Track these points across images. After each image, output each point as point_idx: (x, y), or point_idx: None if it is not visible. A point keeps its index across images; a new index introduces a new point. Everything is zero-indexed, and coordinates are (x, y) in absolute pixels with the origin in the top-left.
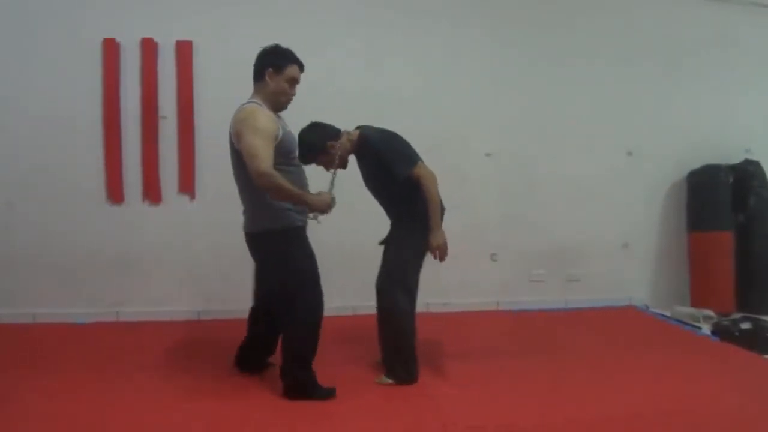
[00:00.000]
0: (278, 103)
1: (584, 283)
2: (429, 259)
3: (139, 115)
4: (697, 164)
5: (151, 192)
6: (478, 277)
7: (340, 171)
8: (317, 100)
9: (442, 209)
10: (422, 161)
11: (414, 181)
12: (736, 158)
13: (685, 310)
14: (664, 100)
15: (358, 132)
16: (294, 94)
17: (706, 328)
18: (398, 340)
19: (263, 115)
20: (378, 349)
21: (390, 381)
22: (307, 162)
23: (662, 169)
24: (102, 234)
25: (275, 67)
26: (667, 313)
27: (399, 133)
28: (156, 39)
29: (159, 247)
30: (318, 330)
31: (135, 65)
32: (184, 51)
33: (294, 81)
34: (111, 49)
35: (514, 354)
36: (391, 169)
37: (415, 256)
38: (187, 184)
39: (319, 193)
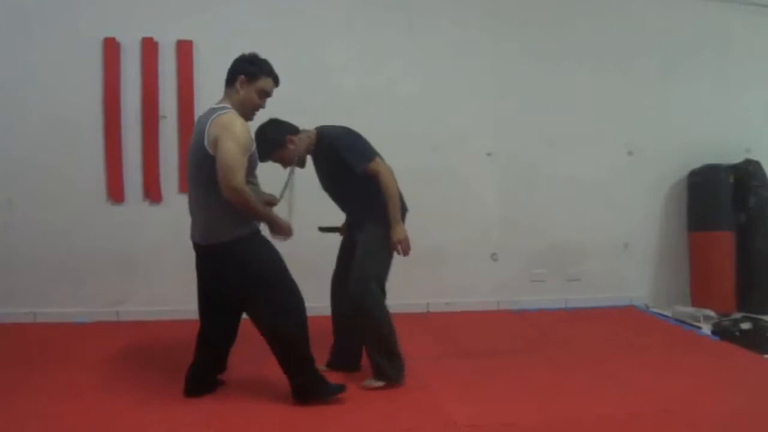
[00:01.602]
0: (245, 112)
1: (584, 283)
2: (427, 259)
3: (139, 115)
4: (697, 164)
5: (152, 191)
6: (478, 276)
7: (299, 171)
8: (316, 100)
9: (405, 209)
10: (380, 157)
11: (371, 177)
12: (736, 158)
13: (686, 310)
14: (664, 100)
15: (316, 131)
16: (263, 107)
17: (707, 328)
18: (384, 341)
19: (243, 126)
20: (327, 354)
21: (380, 383)
22: (265, 159)
23: (663, 168)
24: (102, 234)
25: (248, 75)
26: (668, 313)
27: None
28: (156, 38)
29: (159, 247)
30: (306, 326)
31: (135, 65)
32: (184, 50)
33: (265, 93)
34: (111, 49)
35: (515, 353)
36: (348, 164)
37: (384, 254)
38: None
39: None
